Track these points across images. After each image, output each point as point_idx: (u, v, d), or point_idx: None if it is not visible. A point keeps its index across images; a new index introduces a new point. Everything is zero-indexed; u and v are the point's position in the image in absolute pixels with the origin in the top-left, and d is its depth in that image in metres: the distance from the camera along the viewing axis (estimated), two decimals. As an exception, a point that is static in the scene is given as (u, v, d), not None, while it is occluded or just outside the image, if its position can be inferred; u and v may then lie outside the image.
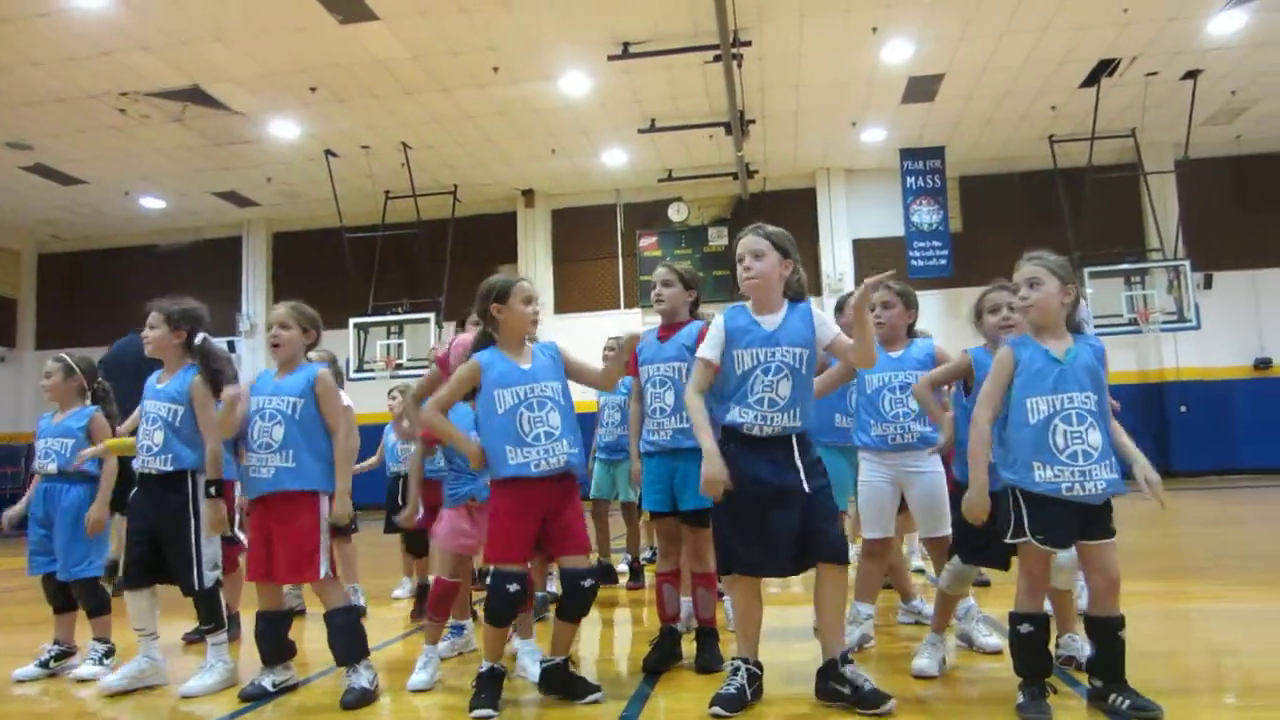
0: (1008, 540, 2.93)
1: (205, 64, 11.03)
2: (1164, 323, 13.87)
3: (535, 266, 16.65)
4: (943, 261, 14.98)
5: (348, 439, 3.75)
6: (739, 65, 11.14)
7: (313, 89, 11.89)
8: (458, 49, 11.00)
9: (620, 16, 10.47)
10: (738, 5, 9.99)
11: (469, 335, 3.84)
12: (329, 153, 14.08)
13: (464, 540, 3.84)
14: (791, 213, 16.15)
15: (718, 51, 10.58)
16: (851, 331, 3.15)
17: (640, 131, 13.68)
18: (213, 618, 3.83)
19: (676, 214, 16.47)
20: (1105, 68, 12.30)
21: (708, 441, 3.07)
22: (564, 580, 3.33)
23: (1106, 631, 2.85)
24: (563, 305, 16.56)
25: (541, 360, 3.42)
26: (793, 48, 11.38)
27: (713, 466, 3.01)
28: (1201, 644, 4.07)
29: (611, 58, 11.22)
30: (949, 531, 3.73)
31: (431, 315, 15.07)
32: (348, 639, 3.55)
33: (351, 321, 15.01)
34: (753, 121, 13.34)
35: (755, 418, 3.09)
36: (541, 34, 10.78)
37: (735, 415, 3.11)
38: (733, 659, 3.13)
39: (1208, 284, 14.47)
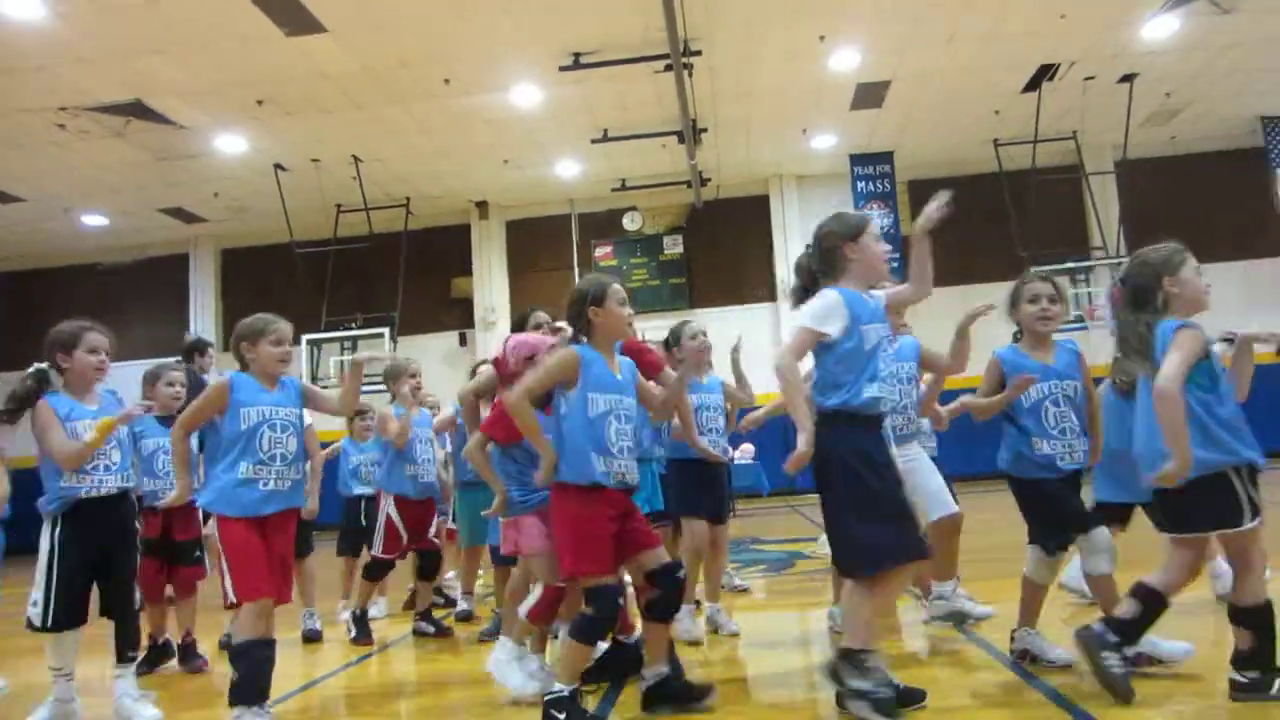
0: (1240, 529, 2.83)
1: (147, 78, 10.81)
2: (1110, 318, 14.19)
3: (490, 278, 16.57)
4: (894, 264, 15.15)
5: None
6: (690, 74, 11.21)
7: (260, 102, 11.71)
8: (408, 61, 10.92)
9: (570, 27, 10.49)
10: (687, 15, 10.06)
11: (527, 336, 3.79)
12: (278, 166, 13.88)
13: (537, 543, 3.67)
14: (745, 219, 16.30)
15: (668, 61, 10.64)
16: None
17: (593, 142, 13.70)
18: (139, 643, 3.73)
19: (631, 223, 16.51)
20: (1046, 72, 12.60)
21: (805, 414, 2.91)
22: (658, 578, 3.22)
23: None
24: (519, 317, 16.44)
25: (626, 373, 3.35)
26: (742, 57, 11.48)
27: (808, 442, 2.88)
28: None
29: (563, 68, 11.24)
30: (957, 509, 3.93)
31: (386, 330, 14.92)
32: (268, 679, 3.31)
33: (304, 338, 14.79)
34: (705, 130, 13.43)
35: (886, 394, 3.08)
36: (492, 46, 10.75)
37: (874, 391, 3.02)
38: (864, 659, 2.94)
39: (1149, 281, 14.85)
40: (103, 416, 3.67)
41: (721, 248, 16.22)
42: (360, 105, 12.03)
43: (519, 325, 4.61)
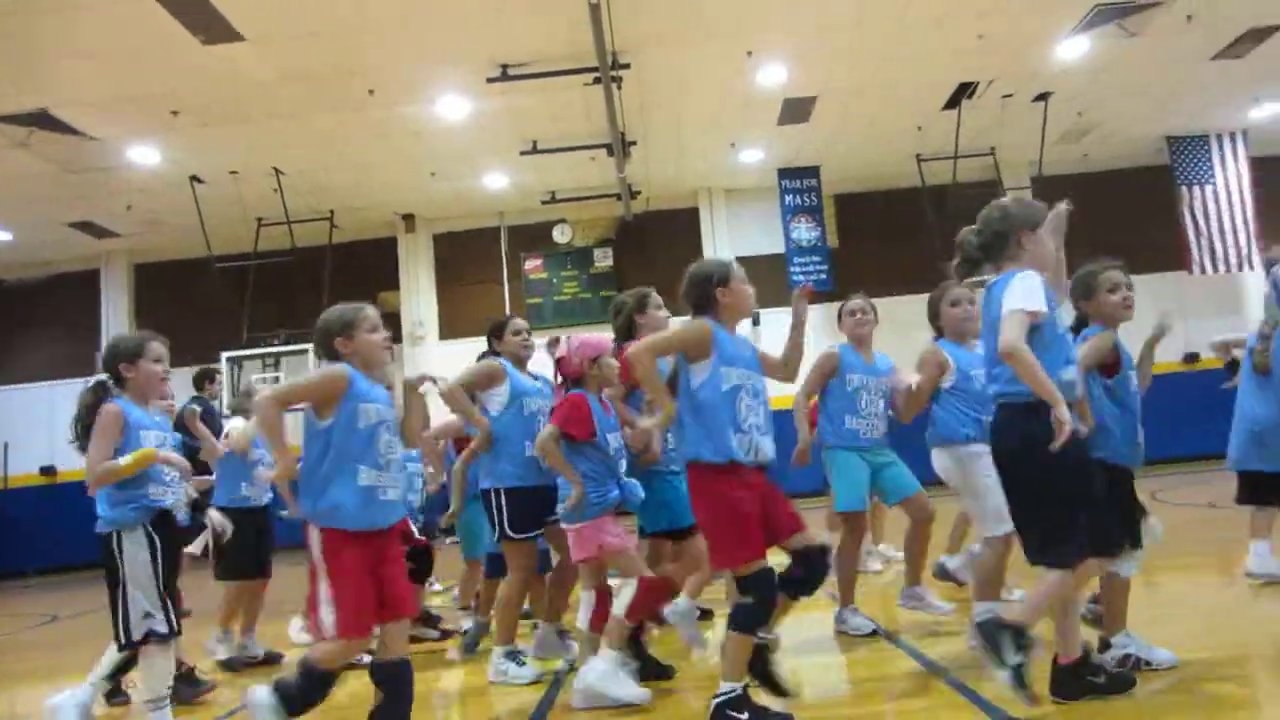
0: None
1: (54, 87, 10.36)
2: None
3: (418, 292, 16.31)
4: (823, 276, 15.41)
5: None
6: (618, 87, 11.21)
7: (175, 113, 11.33)
8: (330, 71, 10.69)
9: (498, 39, 10.40)
10: (615, 28, 10.05)
11: (591, 336, 3.85)
12: (194, 179, 13.45)
13: (621, 540, 3.62)
14: (675, 232, 16.35)
15: (597, 74, 10.62)
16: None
17: (521, 154, 13.60)
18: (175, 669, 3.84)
19: (561, 236, 16.44)
20: (965, 90, 12.94)
21: (1054, 390, 2.83)
22: (802, 558, 3.20)
23: None
24: (448, 330, 16.25)
25: (750, 349, 3.32)
26: (671, 71, 11.53)
27: (1066, 416, 2.79)
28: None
29: (490, 80, 11.13)
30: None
31: (310, 346, 14.53)
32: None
33: (224, 355, 14.35)
34: (634, 143, 13.43)
35: (1076, 375, 3.06)
36: (417, 56, 10.60)
37: (1070, 374, 3.02)
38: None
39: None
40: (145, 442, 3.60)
41: (652, 260, 16.21)
42: (281, 116, 11.73)
43: (496, 332, 4.63)
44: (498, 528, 4.23)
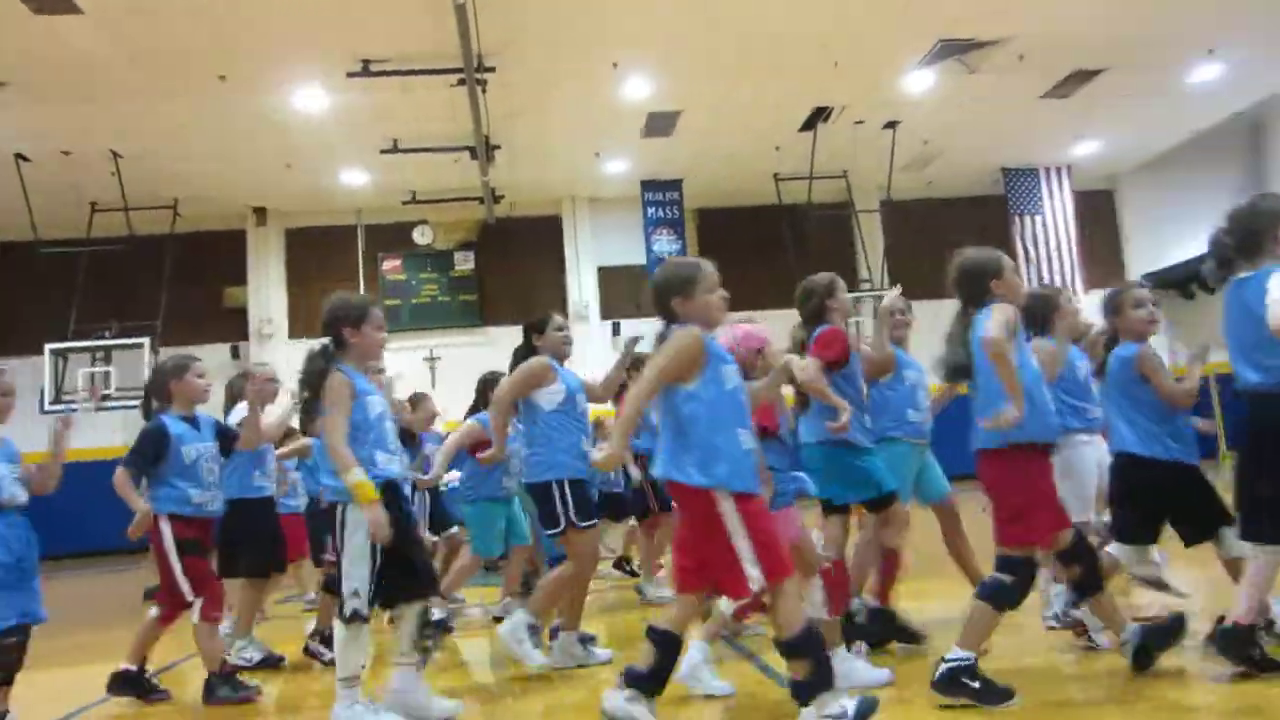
0: None
1: None
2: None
3: (268, 288, 15.66)
4: (682, 288, 15.66)
5: None
6: (483, 90, 11.10)
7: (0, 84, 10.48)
8: (177, 51, 10.13)
9: (360, 33, 10.13)
10: (482, 30, 9.95)
11: (753, 328, 3.81)
12: (20, 156, 12.46)
13: (807, 540, 3.56)
14: (538, 239, 16.33)
15: (462, 75, 10.50)
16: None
17: (382, 152, 13.27)
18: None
19: (422, 237, 16.12)
20: (820, 114, 13.50)
21: None
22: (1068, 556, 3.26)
23: None
24: (299, 329, 15.64)
25: None
26: (537, 77, 11.52)
27: None
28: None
29: (351, 74, 10.82)
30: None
31: (146, 340, 13.68)
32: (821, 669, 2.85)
33: (47, 347, 13.31)
34: (498, 147, 13.32)
35: None
36: (274, 44, 10.19)
37: None
38: None
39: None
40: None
41: (514, 265, 16.14)
42: (121, 96, 11.02)
43: (537, 328, 4.53)
44: (563, 518, 4.23)
